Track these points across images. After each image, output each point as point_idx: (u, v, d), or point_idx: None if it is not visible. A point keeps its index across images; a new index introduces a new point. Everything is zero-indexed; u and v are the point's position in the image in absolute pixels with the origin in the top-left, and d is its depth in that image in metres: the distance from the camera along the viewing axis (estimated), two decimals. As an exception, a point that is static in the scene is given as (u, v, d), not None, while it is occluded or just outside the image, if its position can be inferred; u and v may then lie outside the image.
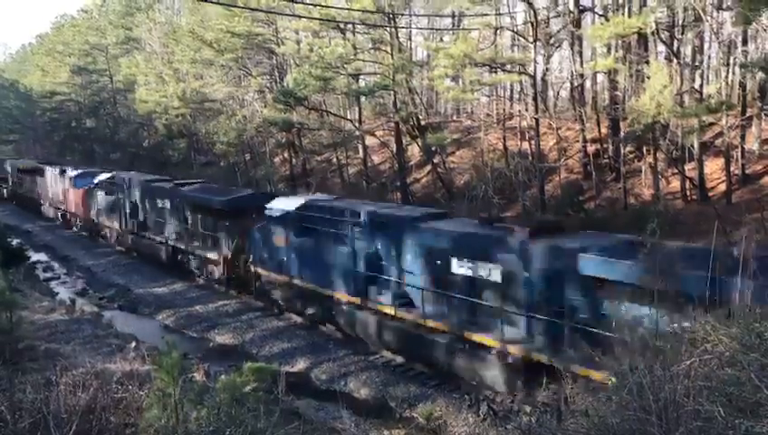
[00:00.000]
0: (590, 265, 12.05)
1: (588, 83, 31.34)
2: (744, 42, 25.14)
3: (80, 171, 38.84)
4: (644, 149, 25.88)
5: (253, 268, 21.72)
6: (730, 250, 9.38)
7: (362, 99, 36.02)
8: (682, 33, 25.66)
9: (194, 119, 47.06)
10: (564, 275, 12.56)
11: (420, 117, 34.92)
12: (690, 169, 24.20)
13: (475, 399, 14.48)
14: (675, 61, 24.62)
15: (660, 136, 23.67)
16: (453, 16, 39.39)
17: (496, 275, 13.97)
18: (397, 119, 31.33)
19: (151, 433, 7.54)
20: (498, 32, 32.47)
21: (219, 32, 37.50)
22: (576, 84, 30.87)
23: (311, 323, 19.82)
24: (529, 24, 28.92)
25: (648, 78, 21.93)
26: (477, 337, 14.22)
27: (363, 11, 28.54)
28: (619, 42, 25.92)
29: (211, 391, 9.15)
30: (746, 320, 6.48)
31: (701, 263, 9.43)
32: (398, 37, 31.66)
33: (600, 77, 30.67)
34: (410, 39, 39.31)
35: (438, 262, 15.24)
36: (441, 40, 35.33)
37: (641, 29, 23.06)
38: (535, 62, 27.37)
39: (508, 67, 27.82)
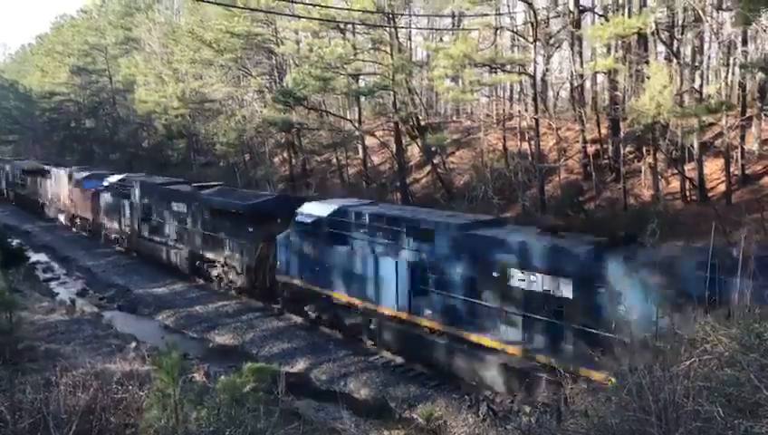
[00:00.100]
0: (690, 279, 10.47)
1: (588, 84, 31.34)
2: (744, 42, 25.14)
3: (88, 173, 37.74)
4: (644, 149, 25.87)
5: (279, 277, 20.54)
6: None
7: (362, 99, 36.01)
8: (682, 34, 25.66)
9: (193, 119, 47.06)
10: (655, 291, 11.02)
11: (420, 117, 34.92)
12: (690, 169, 24.20)
13: (474, 399, 14.49)
14: (674, 61, 24.62)
15: (660, 136, 23.67)
16: (453, 16, 39.39)
17: (566, 290, 12.61)
18: (396, 119, 31.33)
19: (151, 433, 7.55)
20: (498, 32, 32.46)
21: (219, 32, 37.49)
22: (576, 85, 30.87)
23: (346, 337, 18.59)
24: (529, 25, 28.94)
25: (648, 78, 21.93)
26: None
27: (363, 11, 28.55)
28: (619, 42, 25.91)
29: (211, 391, 9.15)
30: (746, 320, 6.49)
31: None
32: (397, 37, 31.66)
33: (599, 77, 30.67)
34: (410, 39, 39.31)
35: (495, 274, 14.02)
36: (441, 40, 35.33)
37: (641, 29, 23.06)
38: (535, 62, 27.38)
39: (508, 67, 27.83)
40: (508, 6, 33.76)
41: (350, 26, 32.39)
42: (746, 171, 23.71)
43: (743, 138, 23.83)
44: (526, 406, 13.48)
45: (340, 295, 18.13)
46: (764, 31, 22.24)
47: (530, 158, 28.78)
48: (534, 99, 27.95)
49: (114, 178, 33.54)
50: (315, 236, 18.62)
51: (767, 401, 5.13)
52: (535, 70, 27.39)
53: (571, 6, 28.49)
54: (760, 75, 23.26)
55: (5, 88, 78.91)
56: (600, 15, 28.77)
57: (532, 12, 27.78)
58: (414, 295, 15.88)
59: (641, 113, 21.31)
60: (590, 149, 28.32)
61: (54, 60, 67.85)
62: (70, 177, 38.84)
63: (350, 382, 16.24)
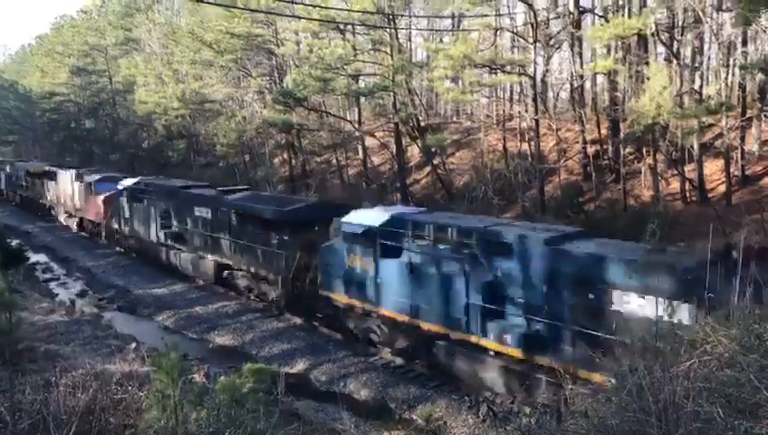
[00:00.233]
0: None
1: (588, 84, 31.34)
2: (744, 43, 25.15)
3: (100, 176, 35.83)
4: (644, 150, 25.89)
5: (321, 292, 18.68)
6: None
7: (362, 100, 36.04)
8: (682, 35, 25.67)
9: (193, 120, 47.10)
10: None
11: (420, 118, 34.93)
12: (690, 170, 24.21)
13: (474, 400, 14.48)
14: (674, 62, 24.62)
15: (660, 137, 23.68)
16: (453, 17, 39.42)
17: (684, 315, 10.33)
18: (396, 120, 31.35)
19: (151, 434, 7.54)
20: (498, 33, 32.48)
21: (219, 33, 37.51)
22: (576, 85, 30.88)
23: (404, 359, 16.84)
24: (529, 26, 28.94)
25: (648, 79, 21.94)
26: None
27: (363, 12, 28.57)
28: (619, 43, 25.93)
29: (211, 392, 9.15)
30: (745, 321, 6.49)
31: None
32: (397, 38, 31.67)
33: (599, 78, 30.68)
34: (410, 40, 39.33)
35: (591, 295, 12.31)
36: (441, 41, 35.33)
37: (641, 30, 23.07)
38: (535, 63, 27.40)
39: (508, 68, 27.84)
40: (508, 7, 33.79)
41: (350, 27, 32.41)
42: (746, 172, 23.72)
43: (743, 139, 23.84)
44: (526, 407, 13.49)
45: (394, 314, 16.30)
46: (764, 32, 22.24)
47: (530, 158, 28.79)
48: (534, 100, 27.96)
49: (129, 182, 31.58)
50: (365, 247, 16.81)
51: (767, 401, 5.13)
52: (535, 71, 27.41)
53: (571, 7, 28.51)
54: (760, 76, 23.27)
55: (5, 88, 78.92)
56: (600, 16, 28.80)
57: (532, 13, 27.80)
58: (487, 318, 14.04)
59: (641, 114, 21.33)
60: (590, 149, 28.34)
61: (54, 60, 67.88)
62: (79, 179, 37.07)
63: (350, 383, 16.23)
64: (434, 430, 13.85)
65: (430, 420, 14.00)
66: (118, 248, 33.14)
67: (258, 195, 25.34)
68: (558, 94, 34.29)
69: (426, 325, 15.44)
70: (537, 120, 27.37)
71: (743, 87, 24.69)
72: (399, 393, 15.37)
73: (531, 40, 27.37)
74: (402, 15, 33.18)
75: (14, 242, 28.23)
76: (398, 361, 16.99)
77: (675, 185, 24.87)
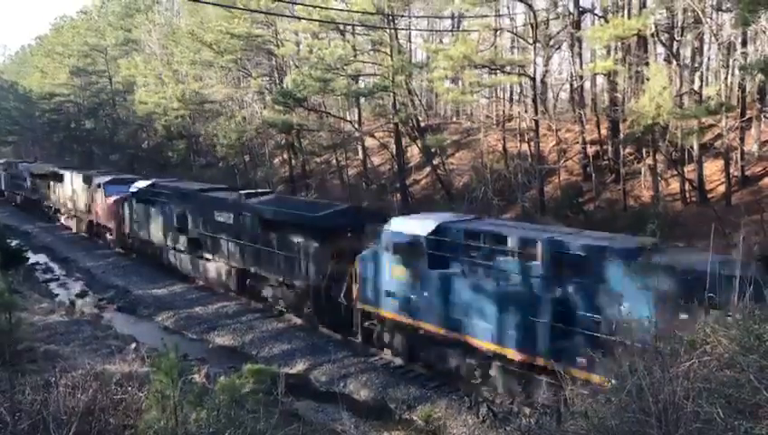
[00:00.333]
0: None
1: (587, 85, 31.37)
2: (744, 43, 25.17)
3: (110, 178, 34.41)
4: (643, 150, 25.90)
5: (360, 305, 17.39)
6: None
7: (362, 100, 36.06)
8: (681, 35, 25.69)
9: (193, 120, 47.13)
10: None
11: (420, 118, 34.96)
12: (690, 170, 24.22)
13: (474, 400, 14.48)
14: (674, 62, 24.64)
15: (660, 138, 23.69)
16: (452, 18, 39.47)
17: None
18: (396, 120, 31.36)
19: (150, 434, 7.54)
20: (498, 33, 32.50)
21: (219, 33, 37.52)
22: (576, 86, 30.90)
23: (447, 379, 15.67)
24: (529, 26, 28.96)
25: (648, 80, 21.95)
26: None
27: (363, 12, 28.59)
28: (619, 43, 25.94)
29: (210, 392, 9.15)
30: (745, 322, 6.49)
31: None
32: (397, 39, 31.69)
33: (599, 79, 30.70)
34: (410, 40, 39.38)
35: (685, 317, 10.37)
36: (441, 41, 35.36)
37: (641, 31, 23.08)
38: (535, 63, 27.40)
39: (508, 69, 27.84)
40: (508, 8, 33.87)
41: (349, 28, 32.43)
42: (746, 173, 23.73)
43: (742, 139, 23.86)
44: (526, 407, 13.49)
45: (444, 331, 15.00)
46: (764, 32, 22.25)
47: (529, 159, 28.80)
48: (534, 100, 27.97)
49: (142, 184, 30.07)
50: (411, 258, 15.51)
51: (767, 402, 5.14)
52: (535, 71, 27.41)
53: (571, 8, 28.54)
54: (759, 77, 23.27)
55: (5, 89, 78.95)
56: (600, 17, 28.81)
57: (531, 13, 27.82)
58: (557, 338, 12.61)
59: (641, 115, 21.34)
60: (590, 150, 28.35)
61: (54, 61, 67.92)
62: (88, 181, 35.73)
63: (350, 383, 16.24)
64: (433, 431, 13.87)
65: (430, 420, 14.02)
66: (118, 249, 33.03)
67: (284, 199, 24.23)
68: (558, 95, 34.31)
69: (480, 343, 14.13)
70: (537, 121, 27.37)
71: (742, 88, 24.71)
72: (399, 394, 15.37)
73: (530, 40, 27.38)
74: (402, 16, 33.19)
75: (14, 242, 28.24)
76: (398, 361, 16.99)
77: (674, 185, 24.88)
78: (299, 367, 17.51)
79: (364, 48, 34.24)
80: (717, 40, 24.47)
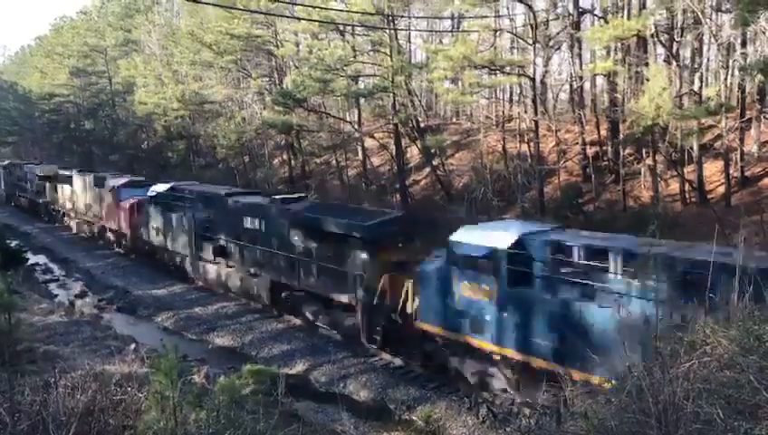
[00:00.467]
0: None
1: (587, 86, 31.37)
2: (744, 44, 25.17)
3: (124, 180, 32.82)
4: (643, 151, 25.91)
5: (420, 324, 15.67)
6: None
7: (361, 101, 36.07)
8: (681, 36, 25.69)
9: (193, 121, 47.13)
10: None
11: (419, 119, 34.97)
12: (689, 171, 24.22)
13: (474, 401, 14.47)
14: (674, 63, 24.65)
15: (659, 138, 23.69)
16: (452, 18, 39.48)
17: None
18: (396, 121, 31.37)
19: (150, 435, 7.53)
20: (497, 34, 32.51)
21: (218, 34, 37.54)
22: (575, 86, 30.91)
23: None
24: (528, 27, 28.97)
25: (648, 80, 21.95)
26: None
27: (362, 13, 28.59)
28: (619, 44, 25.94)
29: (210, 393, 9.14)
30: (745, 323, 6.49)
31: None
32: (397, 39, 31.70)
33: (599, 79, 30.71)
34: (409, 41, 39.40)
35: None
36: (440, 42, 35.37)
37: (640, 31, 23.09)
38: (535, 64, 27.41)
39: (507, 69, 27.84)
40: (508, 8, 33.85)
41: (349, 28, 32.44)
42: (746, 173, 23.73)
43: (742, 140, 23.86)
44: (526, 408, 13.48)
45: (525, 357, 13.39)
46: (763, 33, 22.25)
47: (529, 159, 28.81)
48: (534, 101, 27.98)
49: (161, 187, 28.28)
50: (485, 273, 13.89)
51: (767, 402, 5.13)
52: (535, 72, 27.42)
53: (571, 8, 28.55)
54: (759, 77, 23.28)
55: (5, 89, 79.03)
56: (600, 17, 28.83)
57: (531, 14, 27.84)
58: None
59: (641, 115, 21.34)
60: (590, 150, 28.35)
61: (54, 61, 67.98)
62: (100, 184, 34.04)
63: (350, 384, 16.23)
64: (433, 431, 13.87)
65: (430, 421, 14.02)
66: (116, 251, 32.97)
67: (325, 205, 22.72)
68: (557, 95, 34.33)
69: (578, 375, 11.41)
70: (536, 122, 27.38)
71: (742, 88, 24.71)
72: (399, 394, 15.37)
73: (530, 41, 27.39)
74: (401, 16, 33.19)
75: (14, 243, 28.23)
76: (398, 362, 16.98)
77: (674, 186, 24.88)
78: (299, 368, 17.50)
79: (364, 49, 34.25)
80: (717, 41, 24.47)
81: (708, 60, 27.17)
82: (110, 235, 34.01)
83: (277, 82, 41.09)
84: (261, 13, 34.80)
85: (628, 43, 25.34)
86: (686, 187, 24.08)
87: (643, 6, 26.70)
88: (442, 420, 14.09)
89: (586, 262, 12.37)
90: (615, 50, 27.28)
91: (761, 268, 9.16)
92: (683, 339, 6.42)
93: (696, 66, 26.02)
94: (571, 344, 12.25)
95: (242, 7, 34.49)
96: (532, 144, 28.45)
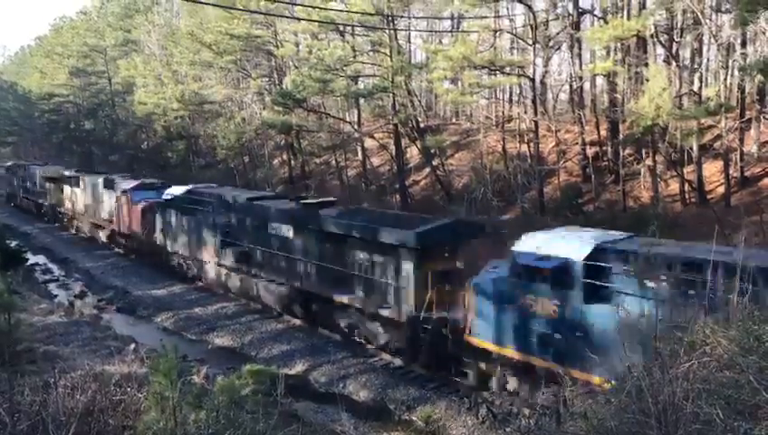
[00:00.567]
0: None
1: (587, 86, 31.38)
2: (743, 44, 25.18)
3: (137, 182, 31.72)
4: (643, 151, 25.92)
5: (472, 340, 14.58)
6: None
7: (361, 101, 36.08)
8: (681, 36, 25.71)
9: (193, 121, 47.14)
10: None
11: (419, 119, 34.96)
12: (689, 171, 24.23)
13: (474, 401, 14.46)
14: (674, 63, 24.66)
15: (659, 138, 23.70)
16: (452, 19, 39.48)
17: None
18: (396, 121, 31.37)
19: (149, 435, 7.53)
20: (497, 34, 32.51)
21: (218, 34, 37.55)
22: (575, 87, 30.93)
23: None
24: (528, 27, 28.98)
25: (647, 81, 21.97)
26: None
27: (362, 13, 28.60)
28: (618, 44, 25.95)
29: (210, 393, 9.14)
30: (745, 323, 6.49)
31: None
32: (396, 39, 31.70)
33: (599, 80, 30.71)
34: (409, 41, 39.38)
35: None
36: (440, 42, 35.38)
37: (640, 32, 23.12)
38: (534, 64, 27.42)
39: (507, 70, 27.86)
40: (507, 9, 33.83)
41: (349, 28, 32.45)
42: (745, 173, 23.73)
43: (741, 140, 23.86)
44: (525, 408, 13.48)
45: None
46: (763, 33, 22.27)
47: (529, 160, 28.81)
48: (534, 101, 27.98)
49: (178, 190, 26.93)
50: (556, 287, 12.70)
51: (766, 403, 5.13)
52: (534, 72, 27.43)
53: (570, 9, 28.55)
54: (759, 77, 23.29)
55: (5, 89, 78.98)
56: (599, 18, 28.84)
57: (531, 14, 27.85)
58: None
59: (640, 116, 21.35)
60: (590, 151, 28.36)
61: (54, 61, 67.97)
62: (110, 186, 32.77)
63: (350, 384, 16.23)
64: (433, 432, 13.86)
65: (429, 421, 14.01)
66: (116, 251, 32.86)
67: (361, 211, 21.34)
68: (557, 96, 34.34)
69: None
70: (536, 122, 27.39)
71: (742, 89, 24.71)
72: (399, 394, 15.36)
73: (530, 41, 27.41)
74: (401, 17, 33.20)
75: (14, 243, 28.20)
76: (398, 362, 16.97)
77: (674, 186, 24.88)
78: (298, 368, 17.50)
79: (363, 49, 34.26)
80: (717, 41, 24.49)
81: (708, 60, 27.19)
82: (120, 239, 32.79)
83: (277, 82, 41.09)
84: (260, 13, 34.81)
85: (627, 43, 25.35)
86: (686, 187, 24.09)
87: (643, 7, 26.71)
88: (442, 420, 14.08)
89: (678, 276, 10.61)
90: (615, 50, 27.29)
91: None
92: (682, 339, 6.41)
93: (695, 66, 26.04)
94: None
95: (241, 7, 34.51)
96: (531, 144, 28.46)
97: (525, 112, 30.79)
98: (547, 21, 29.90)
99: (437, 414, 14.24)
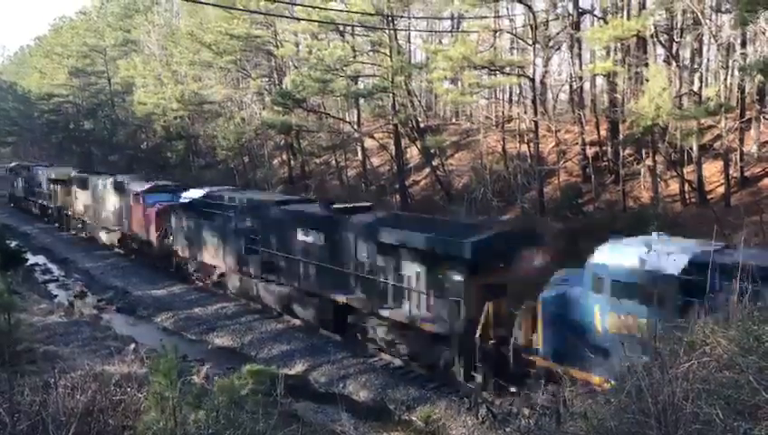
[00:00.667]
0: None
1: (587, 86, 31.36)
2: (743, 44, 25.17)
3: (150, 185, 30.35)
4: (643, 151, 25.91)
5: (539, 361, 13.43)
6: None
7: (361, 101, 36.08)
8: (681, 36, 25.70)
9: (192, 121, 47.13)
10: None
11: (419, 119, 34.95)
12: (689, 171, 24.22)
13: (473, 401, 14.46)
14: (674, 63, 24.65)
15: (659, 138, 23.70)
16: (452, 19, 39.47)
17: None
18: (395, 121, 31.36)
19: (149, 436, 7.54)
20: (497, 34, 32.51)
21: (218, 34, 37.53)
22: (575, 87, 30.91)
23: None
24: (528, 27, 28.97)
25: (647, 81, 21.96)
26: None
27: (362, 13, 28.59)
28: (618, 44, 25.95)
29: (210, 393, 9.14)
30: (744, 323, 6.49)
31: None
32: (396, 39, 31.68)
33: (599, 80, 30.70)
34: (409, 41, 39.36)
35: None
36: (440, 42, 35.37)
37: (640, 32, 23.10)
38: (534, 64, 27.40)
39: (507, 70, 27.84)
40: (507, 9, 33.82)
41: (349, 28, 32.44)
42: (745, 174, 23.73)
43: (741, 140, 23.85)
44: (525, 408, 13.48)
45: None
46: (763, 33, 22.27)
47: (529, 160, 28.80)
48: (534, 101, 27.96)
49: (195, 194, 25.80)
50: (647, 304, 11.14)
51: (766, 403, 5.13)
52: (534, 72, 27.41)
53: (570, 9, 28.54)
54: (759, 78, 23.29)
55: (4, 89, 79.02)
56: (599, 18, 28.83)
57: (531, 14, 27.83)
58: None
59: (640, 116, 21.34)
60: (590, 151, 28.34)
61: (53, 61, 67.94)
62: (121, 188, 31.54)
63: (350, 384, 16.23)
64: (433, 432, 13.87)
65: (429, 421, 14.02)
66: (115, 251, 32.79)
67: (400, 217, 20.14)
68: (557, 96, 34.33)
69: None
70: (536, 122, 27.37)
71: (742, 89, 24.71)
72: (399, 395, 15.36)
73: (530, 41, 27.39)
74: (401, 17, 33.19)
75: (14, 243, 28.18)
76: (397, 362, 16.96)
77: (674, 186, 24.87)
78: (298, 368, 17.50)
79: (363, 49, 34.25)
80: (717, 41, 24.48)
81: (708, 60, 27.18)
82: (133, 244, 31.49)
83: (277, 82, 41.08)
84: (260, 13, 34.80)
85: (627, 43, 25.34)
86: (686, 187, 24.08)
87: (643, 7, 26.70)
88: (442, 420, 14.09)
89: None
90: (615, 50, 27.28)
91: None
92: (682, 339, 6.42)
93: (695, 66, 26.03)
94: None
95: (241, 7, 34.49)
96: (531, 144, 28.44)
97: (525, 112, 30.78)
98: (547, 21, 29.88)
99: (437, 414, 14.25)
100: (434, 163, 32.80)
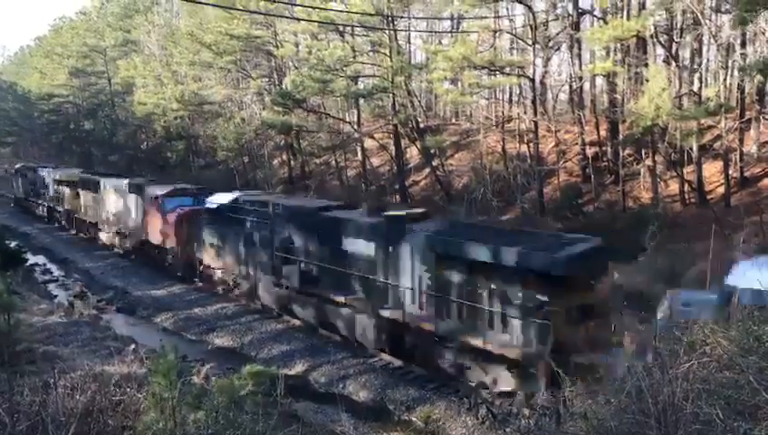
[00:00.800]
0: None
1: (587, 86, 31.39)
2: (743, 44, 25.20)
3: (170, 189, 28.16)
4: (643, 151, 25.92)
5: None
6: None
7: (361, 101, 36.07)
8: (681, 36, 25.71)
9: (192, 121, 47.14)
10: None
11: (419, 119, 34.97)
12: (689, 172, 24.23)
13: (473, 401, 14.44)
14: (673, 64, 24.67)
15: (659, 139, 23.71)
16: (452, 19, 39.48)
17: None
18: (395, 121, 31.37)
19: (149, 436, 7.53)
20: (497, 35, 32.52)
21: (218, 34, 37.54)
22: (575, 87, 30.94)
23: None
24: (528, 27, 28.99)
25: (647, 81, 21.98)
26: None
27: (362, 14, 28.61)
28: (618, 45, 25.96)
29: (209, 394, 9.14)
30: (744, 323, 6.49)
31: None
32: (396, 40, 31.70)
33: (598, 80, 30.72)
34: (409, 42, 39.38)
35: None
36: (440, 43, 35.39)
37: (640, 32, 23.13)
38: (534, 64, 27.41)
39: (507, 70, 27.87)
40: (507, 9, 33.85)
41: (349, 29, 32.45)
42: (745, 174, 23.75)
43: (741, 140, 23.87)
44: (525, 408, 13.46)
45: None
46: (763, 33, 22.29)
47: (529, 160, 28.81)
48: (533, 101, 27.98)
49: (223, 199, 23.97)
50: None
51: (766, 403, 5.13)
52: (534, 72, 27.43)
53: (570, 9, 28.56)
54: (758, 78, 23.31)
55: (4, 90, 78.98)
56: (599, 18, 28.84)
57: (531, 14, 27.86)
58: None
59: (640, 116, 21.37)
60: (589, 151, 28.36)
61: (53, 62, 67.96)
62: (137, 191, 29.83)
63: (349, 385, 16.21)
64: (433, 432, 13.86)
65: (429, 421, 14.00)
66: (115, 251, 32.76)
67: (469, 226, 18.44)
68: (557, 96, 34.35)
69: None
70: (536, 122, 27.39)
71: (741, 89, 24.73)
72: (398, 395, 15.34)
73: (530, 42, 27.41)
74: (401, 17, 33.20)
75: (13, 243, 28.12)
76: (397, 362, 16.95)
77: (674, 187, 24.89)
78: (298, 368, 17.48)
79: (363, 49, 34.27)
80: (716, 41, 24.50)
81: (708, 60, 27.20)
82: (151, 250, 29.26)
83: (277, 82, 41.09)
84: (260, 13, 34.82)
85: (627, 43, 25.36)
86: (686, 187, 24.09)
87: (642, 7, 26.71)
88: (441, 420, 14.07)
89: None
90: (614, 50, 27.30)
91: None
92: (682, 339, 6.41)
93: (695, 67, 26.05)
94: None
95: (241, 7, 34.50)
96: (531, 145, 28.46)
97: (525, 113, 30.79)
98: (547, 21, 29.91)
99: (437, 414, 14.23)
100: (434, 163, 32.80)
